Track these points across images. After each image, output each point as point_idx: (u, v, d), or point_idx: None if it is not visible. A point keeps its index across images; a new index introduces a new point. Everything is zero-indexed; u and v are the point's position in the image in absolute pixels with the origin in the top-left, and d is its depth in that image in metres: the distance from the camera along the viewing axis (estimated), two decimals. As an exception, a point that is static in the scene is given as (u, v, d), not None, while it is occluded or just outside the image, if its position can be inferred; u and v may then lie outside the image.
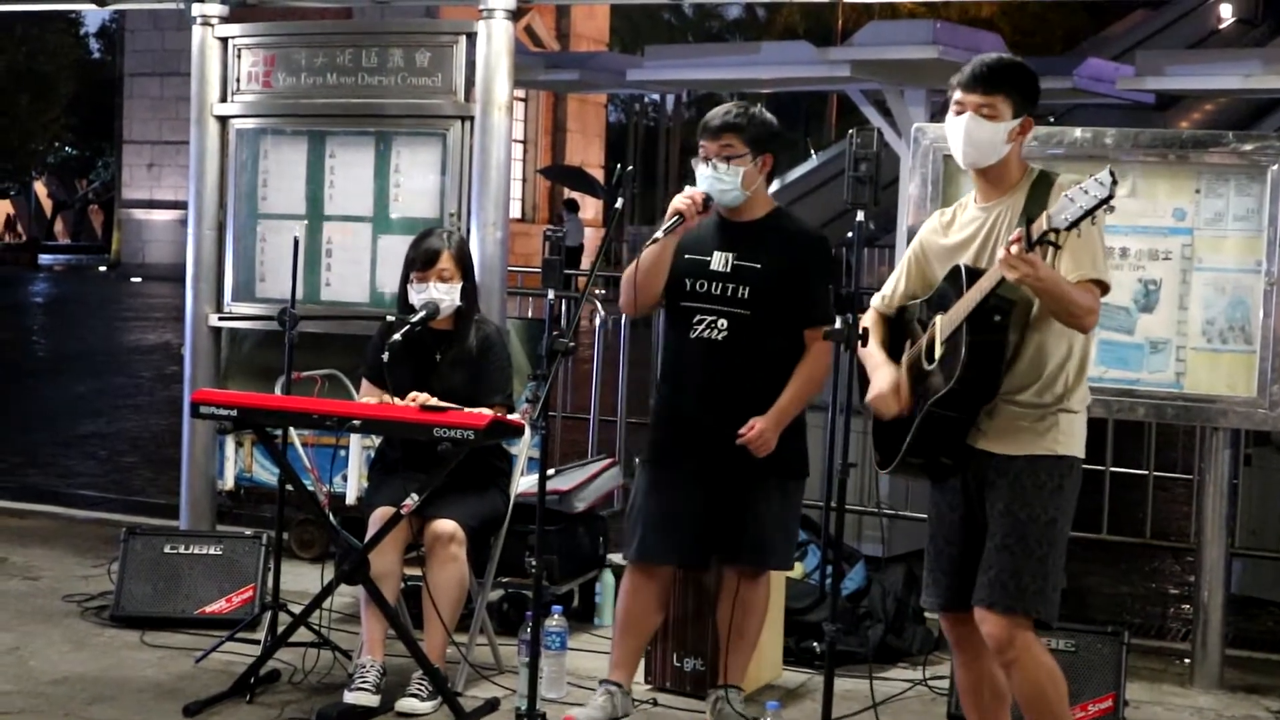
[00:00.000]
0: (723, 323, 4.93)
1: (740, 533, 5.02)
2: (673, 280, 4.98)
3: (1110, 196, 3.64)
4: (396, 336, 5.32)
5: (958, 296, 4.03)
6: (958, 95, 4.15)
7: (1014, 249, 3.77)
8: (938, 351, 4.06)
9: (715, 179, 4.90)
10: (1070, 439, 4.11)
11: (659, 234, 4.85)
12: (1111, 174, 3.66)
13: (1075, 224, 3.69)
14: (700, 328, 4.96)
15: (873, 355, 4.30)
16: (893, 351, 4.31)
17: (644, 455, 5.16)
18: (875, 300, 4.44)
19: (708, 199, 4.87)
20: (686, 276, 4.98)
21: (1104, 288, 4.01)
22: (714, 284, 4.96)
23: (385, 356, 5.31)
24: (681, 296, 5.00)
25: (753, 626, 5.11)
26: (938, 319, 4.10)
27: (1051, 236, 3.75)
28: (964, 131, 4.11)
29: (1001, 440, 4.08)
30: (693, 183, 4.97)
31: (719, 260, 4.96)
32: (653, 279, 4.96)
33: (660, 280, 4.97)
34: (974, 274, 4.03)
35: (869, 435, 4.39)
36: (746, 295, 4.92)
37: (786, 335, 4.96)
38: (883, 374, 4.21)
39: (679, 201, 4.85)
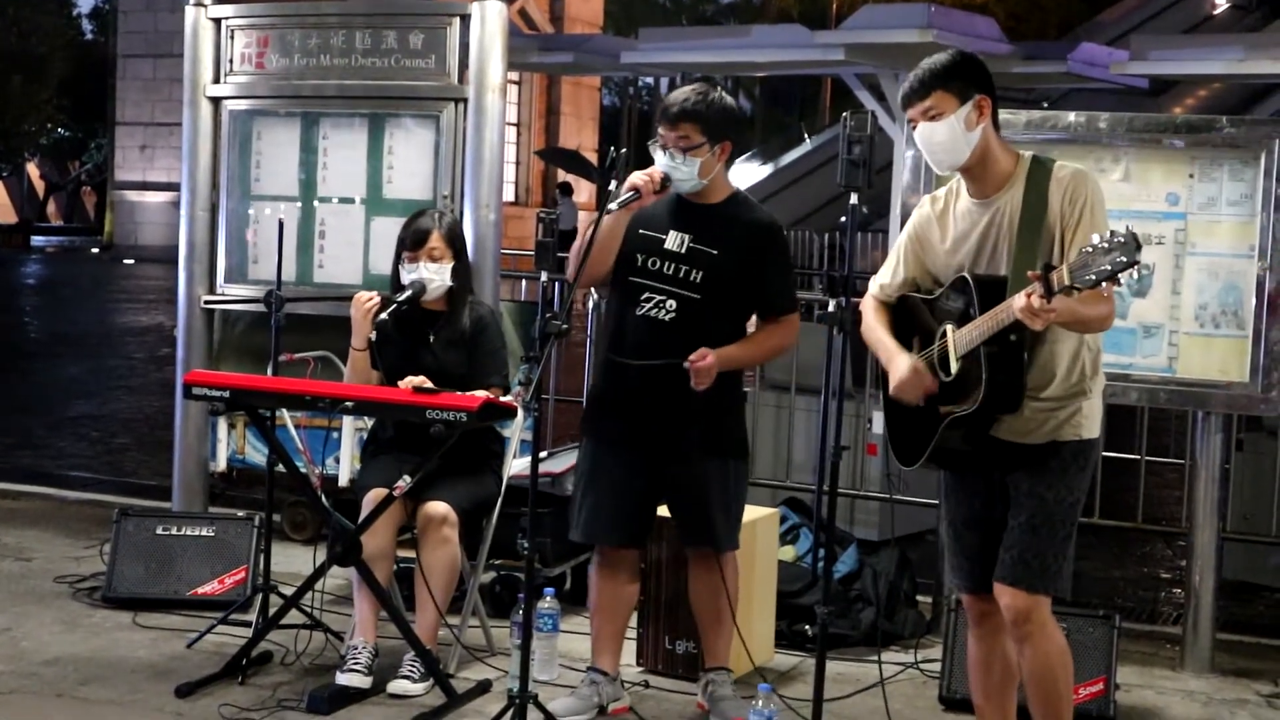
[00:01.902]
0: (671, 303, 4.86)
1: (684, 516, 5.02)
2: (624, 255, 4.89)
3: (1137, 262, 3.60)
4: (384, 315, 5.33)
5: (967, 306, 4.01)
6: (907, 115, 4.16)
7: (1036, 302, 3.73)
8: (953, 366, 4.06)
9: (672, 169, 4.82)
10: (1092, 421, 4.15)
11: (612, 205, 4.74)
12: (1135, 236, 3.58)
13: (1097, 284, 3.66)
14: (648, 306, 4.88)
15: (884, 343, 4.27)
16: (898, 340, 4.28)
17: (584, 428, 5.11)
18: (873, 288, 4.41)
19: (666, 178, 4.81)
20: (639, 252, 4.90)
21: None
22: (666, 263, 4.88)
23: (373, 336, 5.33)
24: (632, 272, 4.91)
25: (722, 606, 5.02)
26: (949, 330, 4.08)
27: (1078, 286, 3.71)
28: (922, 141, 4.12)
29: (1026, 433, 4.09)
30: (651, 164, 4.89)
31: (674, 240, 4.89)
32: (603, 252, 4.83)
33: (610, 254, 4.86)
34: (982, 284, 4.00)
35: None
36: (699, 279, 4.85)
37: (733, 321, 4.92)
38: (900, 361, 4.18)
39: (637, 178, 4.76)
